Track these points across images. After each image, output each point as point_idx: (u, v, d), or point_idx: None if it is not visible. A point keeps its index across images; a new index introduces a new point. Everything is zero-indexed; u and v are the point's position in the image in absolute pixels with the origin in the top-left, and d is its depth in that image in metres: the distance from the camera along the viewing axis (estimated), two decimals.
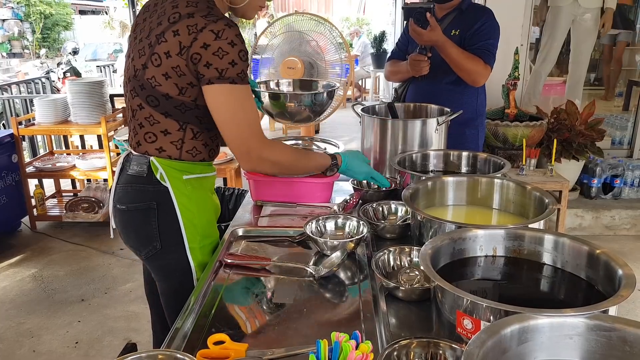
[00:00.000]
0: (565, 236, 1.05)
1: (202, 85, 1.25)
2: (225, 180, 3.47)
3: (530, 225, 1.16)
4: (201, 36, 1.21)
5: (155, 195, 1.35)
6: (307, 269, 1.26)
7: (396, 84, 2.54)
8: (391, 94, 2.70)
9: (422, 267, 0.97)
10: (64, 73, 7.79)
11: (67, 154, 4.25)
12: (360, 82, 9.51)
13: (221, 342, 0.97)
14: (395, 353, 0.88)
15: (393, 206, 1.55)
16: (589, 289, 0.98)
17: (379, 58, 8.30)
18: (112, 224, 1.48)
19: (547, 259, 1.08)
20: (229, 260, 1.30)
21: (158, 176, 1.34)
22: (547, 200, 1.26)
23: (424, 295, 1.13)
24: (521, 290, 1.04)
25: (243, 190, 2.33)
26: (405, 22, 2.22)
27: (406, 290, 1.12)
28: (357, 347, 0.82)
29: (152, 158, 1.35)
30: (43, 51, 12.59)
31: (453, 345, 0.89)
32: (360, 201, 1.69)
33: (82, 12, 19.36)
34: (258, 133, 1.31)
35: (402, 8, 2.03)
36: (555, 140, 3.41)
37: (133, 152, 1.39)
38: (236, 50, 1.23)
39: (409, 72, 2.29)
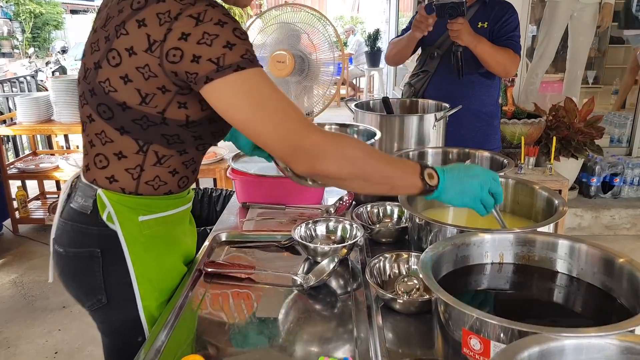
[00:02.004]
0: (582, 241, 0.94)
1: (199, 88, 0.91)
2: (215, 180, 3.35)
3: (539, 229, 1.06)
4: (177, 25, 0.90)
5: (99, 241, 1.04)
6: (295, 278, 1.15)
7: (412, 80, 2.40)
8: (401, 90, 2.54)
9: (422, 277, 0.86)
10: (53, 72, 7.64)
11: (51, 155, 4.11)
12: (354, 81, 9.41)
13: None
14: None
15: (389, 208, 1.44)
16: (609, 302, 0.88)
17: (373, 56, 8.20)
18: (50, 264, 1.16)
19: (561, 266, 0.97)
20: (209, 269, 1.18)
21: (105, 216, 1.03)
22: (557, 202, 1.15)
23: (424, 307, 1.02)
24: (533, 303, 0.93)
25: (232, 191, 2.22)
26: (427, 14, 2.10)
27: (404, 303, 1.01)
28: None
29: (99, 190, 1.03)
30: (31, 50, 12.40)
31: None
32: (353, 202, 1.58)
33: (73, 12, 19.18)
34: (301, 120, 0.94)
35: (434, 5, 1.93)
36: (554, 138, 3.31)
37: (82, 178, 1.09)
38: (229, 29, 0.91)
39: (409, 42, 2.20)
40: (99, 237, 1.04)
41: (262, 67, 0.94)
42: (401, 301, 0.98)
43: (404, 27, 2.39)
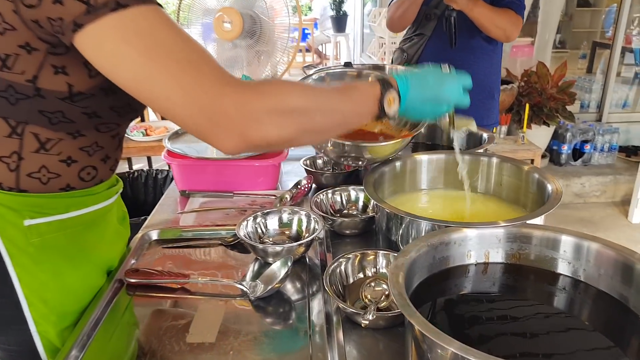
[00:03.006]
0: (591, 239, 0.75)
1: (71, 39, 0.67)
2: None
3: (531, 221, 0.87)
4: None
5: None
6: (239, 286, 0.94)
7: (404, 45, 2.13)
8: (392, 56, 2.26)
9: (394, 299, 0.66)
10: None
11: None
12: (320, 48, 9.09)
13: None
14: None
15: (353, 194, 1.24)
16: (628, 318, 0.70)
17: (339, 21, 7.88)
18: None
19: (563, 269, 0.79)
20: (132, 280, 0.96)
21: None
22: (550, 187, 0.97)
23: (395, 321, 0.84)
24: (531, 317, 0.75)
25: None
26: None
27: (371, 321, 0.81)
28: None
29: None
30: None
31: None
32: (312, 186, 1.37)
33: None
34: (218, 73, 0.68)
35: None
36: (527, 105, 3.16)
37: None
38: None
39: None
40: None
41: (158, 5, 0.69)
42: (366, 322, 0.79)
43: None
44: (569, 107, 3.62)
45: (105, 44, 0.66)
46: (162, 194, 1.80)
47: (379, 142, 1.11)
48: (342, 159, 1.16)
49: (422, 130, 1.12)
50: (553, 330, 0.72)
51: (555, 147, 3.84)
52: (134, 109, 0.85)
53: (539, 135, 3.62)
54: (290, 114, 0.72)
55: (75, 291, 0.88)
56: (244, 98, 0.67)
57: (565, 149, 3.79)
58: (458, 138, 1.07)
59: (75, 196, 0.85)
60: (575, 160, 3.86)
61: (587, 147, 3.81)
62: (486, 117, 2.01)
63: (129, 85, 0.68)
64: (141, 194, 2.00)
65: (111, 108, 0.81)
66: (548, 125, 3.54)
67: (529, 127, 3.43)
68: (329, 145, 1.08)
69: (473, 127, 1.09)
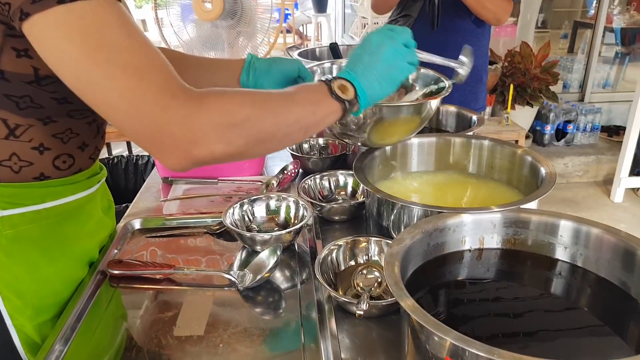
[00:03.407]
0: (590, 223, 0.74)
1: (19, 26, 0.63)
2: None
3: (526, 205, 0.85)
4: None
5: None
6: (227, 276, 0.91)
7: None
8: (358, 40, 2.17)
9: (390, 289, 0.64)
10: None
11: None
12: (301, 29, 8.97)
13: None
14: None
15: (342, 178, 1.21)
16: (628, 302, 0.69)
17: (320, 1, 7.76)
18: None
19: (561, 253, 0.77)
20: (115, 271, 0.92)
21: None
22: (543, 170, 0.95)
23: (389, 309, 0.82)
24: (530, 306, 0.73)
25: None
26: None
27: (364, 310, 0.79)
28: None
29: None
30: None
31: None
32: (300, 171, 1.34)
33: None
34: (163, 81, 0.64)
35: None
36: (511, 86, 3.15)
37: None
38: None
39: None
40: None
41: None
42: (360, 312, 0.76)
43: None
44: (552, 88, 3.62)
45: (48, 39, 0.61)
46: (144, 181, 1.75)
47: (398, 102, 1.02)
48: (346, 137, 1.08)
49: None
50: (551, 318, 0.70)
51: (538, 128, 3.85)
52: None
53: (523, 116, 3.62)
54: (237, 127, 0.67)
55: (52, 284, 0.84)
56: (189, 112, 0.63)
57: (549, 129, 3.80)
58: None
59: (51, 186, 0.80)
60: (558, 140, 3.88)
61: (570, 127, 3.83)
62: (474, 102, 1.97)
63: (72, 86, 0.64)
64: (121, 181, 1.94)
65: None
66: (532, 105, 3.54)
67: (512, 107, 3.43)
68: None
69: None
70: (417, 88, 1.11)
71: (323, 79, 0.79)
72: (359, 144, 1.10)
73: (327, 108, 0.77)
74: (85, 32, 0.60)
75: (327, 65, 1.19)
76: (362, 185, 1.15)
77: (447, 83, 1.06)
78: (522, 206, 0.83)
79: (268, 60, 0.99)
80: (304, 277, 0.95)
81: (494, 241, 0.82)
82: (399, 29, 0.86)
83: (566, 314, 0.71)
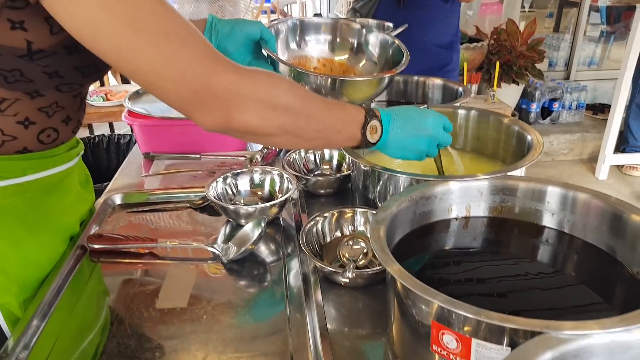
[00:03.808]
0: (577, 189, 0.73)
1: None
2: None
3: (513, 172, 0.84)
4: None
5: None
6: (210, 249, 0.89)
7: (357, 5, 2.02)
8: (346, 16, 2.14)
9: (377, 255, 0.62)
10: None
11: None
12: (285, 8, 8.86)
13: None
14: None
15: (327, 152, 1.19)
16: (616, 270, 0.68)
17: None
18: None
19: (548, 220, 0.76)
20: (96, 246, 0.90)
21: None
22: (529, 137, 0.94)
23: (375, 279, 0.81)
24: (517, 271, 0.73)
25: None
26: None
27: (350, 279, 0.78)
28: None
29: None
30: None
31: None
32: None
33: None
34: (206, 51, 0.64)
35: None
36: (497, 64, 3.14)
37: None
38: None
39: None
40: None
41: None
42: (346, 280, 0.75)
43: None
44: (538, 66, 3.62)
45: (82, 10, 0.58)
46: (126, 155, 1.72)
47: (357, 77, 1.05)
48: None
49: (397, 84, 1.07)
50: (537, 284, 0.70)
51: (524, 106, 3.85)
52: (99, 69, 0.77)
53: (509, 94, 3.62)
54: (276, 110, 0.69)
55: (36, 260, 0.82)
56: (235, 80, 0.65)
57: (534, 107, 3.81)
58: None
59: (33, 159, 0.78)
60: (543, 118, 3.89)
61: (556, 105, 3.83)
62: (452, 73, 1.94)
63: (110, 57, 0.61)
64: (103, 160, 1.91)
65: (75, 68, 0.73)
66: (517, 83, 3.54)
67: (498, 85, 3.43)
68: (307, 79, 1.02)
69: (458, 160, 1.05)
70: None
71: (367, 108, 0.82)
72: None
73: (351, 136, 0.81)
74: (122, 1, 0.58)
75: (289, 23, 1.17)
76: (347, 157, 1.14)
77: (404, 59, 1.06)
78: (509, 173, 0.82)
79: (230, 21, 0.97)
80: (289, 250, 0.94)
81: (480, 209, 0.81)
82: (447, 130, 0.91)
83: (553, 279, 0.70)
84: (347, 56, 1.17)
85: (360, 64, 1.14)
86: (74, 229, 0.93)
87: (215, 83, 0.63)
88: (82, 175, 0.97)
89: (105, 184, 1.65)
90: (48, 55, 0.68)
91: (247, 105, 0.66)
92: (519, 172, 0.86)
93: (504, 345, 0.52)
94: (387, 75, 1.03)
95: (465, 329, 0.54)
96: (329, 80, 0.99)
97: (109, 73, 4.22)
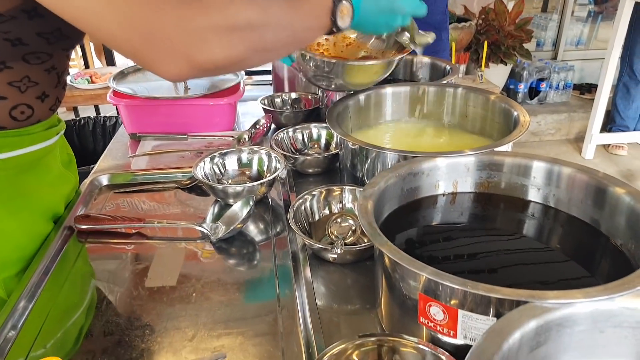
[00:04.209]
0: (562, 163, 0.74)
1: None
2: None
3: (499, 148, 0.85)
4: None
5: None
6: (199, 229, 0.89)
7: None
8: None
9: (365, 230, 0.63)
10: None
11: None
12: None
13: None
14: None
15: (315, 131, 1.19)
16: (600, 242, 0.69)
17: None
18: None
19: (533, 194, 0.77)
20: (83, 226, 0.90)
21: None
22: (515, 113, 0.94)
23: (363, 255, 0.81)
24: (504, 245, 0.73)
25: None
26: None
27: (339, 256, 0.79)
28: None
29: None
30: None
31: (420, 347, 0.57)
32: (272, 126, 1.31)
33: None
34: None
35: None
36: (485, 43, 3.14)
37: None
38: None
39: None
40: None
41: None
42: (335, 256, 0.76)
43: None
44: (525, 45, 3.62)
45: None
46: (112, 137, 1.70)
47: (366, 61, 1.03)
48: (320, 80, 1.06)
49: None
50: (523, 257, 0.71)
51: (512, 86, 3.87)
52: (65, 35, 0.74)
53: (497, 74, 3.63)
54: (239, 31, 0.61)
55: (15, 239, 0.81)
56: (186, 14, 0.57)
57: (522, 87, 3.82)
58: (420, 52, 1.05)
59: (8, 136, 0.76)
60: (531, 98, 3.91)
61: (543, 85, 3.85)
62: (442, 54, 1.93)
63: (54, 5, 0.56)
64: (89, 143, 1.89)
65: (38, 34, 0.70)
66: (505, 63, 3.55)
67: (486, 65, 3.43)
68: (311, 64, 1.00)
69: (432, 39, 1.04)
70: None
71: None
72: (332, 87, 1.08)
73: (321, 26, 0.75)
74: None
75: None
76: (336, 136, 1.14)
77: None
78: (495, 149, 0.82)
79: None
80: (278, 229, 0.94)
81: (467, 185, 0.82)
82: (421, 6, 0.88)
83: (539, 252, 0.71)
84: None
85: (370, 42, 1.13)
86: (57, 210, 0.92)
87: (165, 22, 0.56)
88: (64, 155, 0.96)
89: (92, 166, 1.64)
90: (7, 20, 0.65)
91: (207, 38, 0.58)
92: (506, 148, 0.86)
93: (490, 315, 0.53)
94: (395, 58, 1.02)
95: (452, 301, 0.55)
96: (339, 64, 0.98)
97: (94, 56, 4.16)
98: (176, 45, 0.57)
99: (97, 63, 4.16)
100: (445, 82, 1.18)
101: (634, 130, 3.50)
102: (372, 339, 0.59)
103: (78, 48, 4.12)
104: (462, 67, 3.28)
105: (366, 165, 0.92)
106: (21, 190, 0.81)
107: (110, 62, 3.06)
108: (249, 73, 1.73)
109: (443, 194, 0.82)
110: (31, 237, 0.84)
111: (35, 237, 0.85)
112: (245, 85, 1.43)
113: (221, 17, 0.59)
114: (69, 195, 0.97)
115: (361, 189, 0.91)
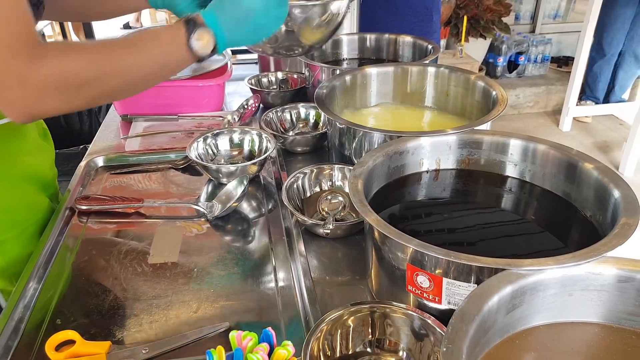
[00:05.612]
0: (537, 141, 0.79)
1: None
2: None
3: (479, 127, 0.90)
4: None
5: None
6: (196, 207, 0.93)
7: None
8: None
9: (356, 207, 0.68)
10: None
11: None
12: None
13: (70, 343, 0.65)
14: (323, 339, 0.61)
15: (303, 111, 1.23)
16: (571, 213, 0.75)
17: None
18: None
19: (511, 171, 0.83)
20: (84, 207, 0.93)
21: None
22: (494, 93, 0.99)
23: (353, 229, 0.87)
24: (483, 217, 0.79)
25: None
26: None
27: (330, 231, 0.84)
28: (270, 353, 0.54)
29: None
30: None
31: (408, 312, 0.63)
32: (260, 106, 1.35)
33: None
34: (13, 39, 0.59)
35: None
36: (465, 18, 3.17)
37: None
38: None
39: None
40: None
41: None
42: (327, 231, 0.81)
43: None
44: (504, 19, 3.66)
45: None
46: (99, 122, 1.72)
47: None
48: (281, 50, 0.95)
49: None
50: (501, 229, 0.77)
51: (491, 60, 3.92)
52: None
53: (476, 48, 3.68)
54: (76, 87, 0.63)
55: (3, 201, 0.85)
56: (27, 74, 0.60)
57: (501, 61, 3.88)
58: None
59: None
60: (510, 72, 3.97)
61: (522, 58, 3.91)
62: (433, 35, 1.94)
63: None
64: (75, 123, 1.89)
65: None
66: (485, 37, 3.59)
67: (466, 40, 3.47)
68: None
69: None
70: None
71: (186, 18, 0.71)
72: (296, 52, 0.97)
73: (180, 60, 0.71)
74: None
75: None
76: (323, 116, 1.18)
77: None
78: (475, 128, 0.87)
79: None
80: (270, 206, 0.98)
81: (449, 162, 0.87)
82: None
83: (516, 224, 0.77)
84: None
85: None
86: (44, 178, 0.96)
87: (10, 75, 0.59)
88: (39, 128, 1.00)
89: (82, 146, 1.66)
90: None
91: (44, 94, 0.62)
92: (485, 126, 0.92)
93: (472, 282, 0.59)
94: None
95: (437, 270, 0.61)
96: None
97: (72, 32, 4.08)
98: (15, 98, 0.61)
99: (74, 39, 4.08)
100: (427, 61, 1.23)
101: (603, 102, 3.59)
102: (365, 306, 0.64)
103: (56, 24, 4.04)
104: (442, 42, 3.32)
105: (354, 144, 0.96)
106: (1, 156, 0.85)
107: (90, 37, 3.01)
108: (235, 52, 1.75)
109: (427, 171, 0.87)
110: (21, 201, 0.88)
111: (26, 203, 0.89)
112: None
113: (62, 78, 0.62)
114: (49, 164, 1.00)
115: (350, 168, 0.96)
